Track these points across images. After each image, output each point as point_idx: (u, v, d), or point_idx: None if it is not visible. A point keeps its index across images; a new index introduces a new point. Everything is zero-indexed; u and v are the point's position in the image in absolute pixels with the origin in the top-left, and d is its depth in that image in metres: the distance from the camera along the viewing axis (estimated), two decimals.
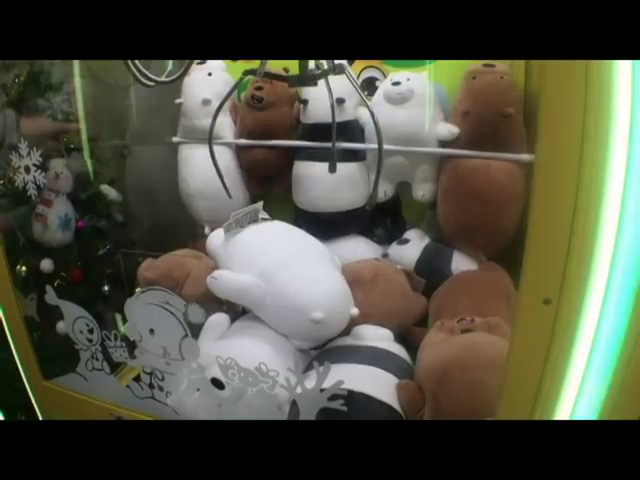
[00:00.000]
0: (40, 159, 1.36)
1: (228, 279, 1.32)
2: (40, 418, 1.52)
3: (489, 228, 1.46)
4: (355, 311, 1.31)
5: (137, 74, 1.16)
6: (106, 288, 1.84)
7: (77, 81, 1.78)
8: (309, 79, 1.14)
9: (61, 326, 1.33)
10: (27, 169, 1.35)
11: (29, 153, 1.34)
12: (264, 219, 1.49)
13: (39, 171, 1.37)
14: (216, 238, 1.51)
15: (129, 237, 2.00)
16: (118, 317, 1.38)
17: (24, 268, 1.66)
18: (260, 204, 1.48)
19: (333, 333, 1.33)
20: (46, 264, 1.71)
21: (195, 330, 1.21)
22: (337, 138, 1.23)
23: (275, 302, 1.28)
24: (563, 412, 0.83)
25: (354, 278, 1.42)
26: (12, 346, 1.46)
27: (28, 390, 1.50)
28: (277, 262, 1.32)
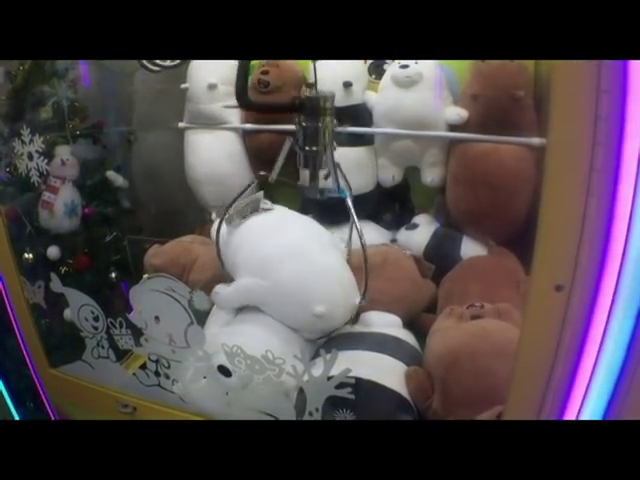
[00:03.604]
0: (43, 146, 1.35)
1: (229, 291, 1.32)
2: (47, 405, 1.53)
3: (499, 213, 1.44)
4: (359, 300, 1.29)
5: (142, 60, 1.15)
6: (113, 275, 1.84)
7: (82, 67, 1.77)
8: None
9: (68, 314, 1.33)
10: (30, 156, 1.34)
11: (32, 140, 1.33)
12: (265, 209, 1.46)
13: (42, 158, 1.36)
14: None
15: (136, 223, 1.99)
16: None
17: (31, 255, 1.65)
18: (261, 194, 1.45)
19: (338, 324, 1.30)
20: (53, 251, 1.71)
21: (202, 317, 1.20)
22: (344, 122, 1.21)
23: (277, 298, 1.27)
24: (575, 400, 0.81)
25: (362, 264, 1.41)
26: (19, 334, 1.46)
27: (35, 378, 1.50)
28: (277, 256, 1.28)
